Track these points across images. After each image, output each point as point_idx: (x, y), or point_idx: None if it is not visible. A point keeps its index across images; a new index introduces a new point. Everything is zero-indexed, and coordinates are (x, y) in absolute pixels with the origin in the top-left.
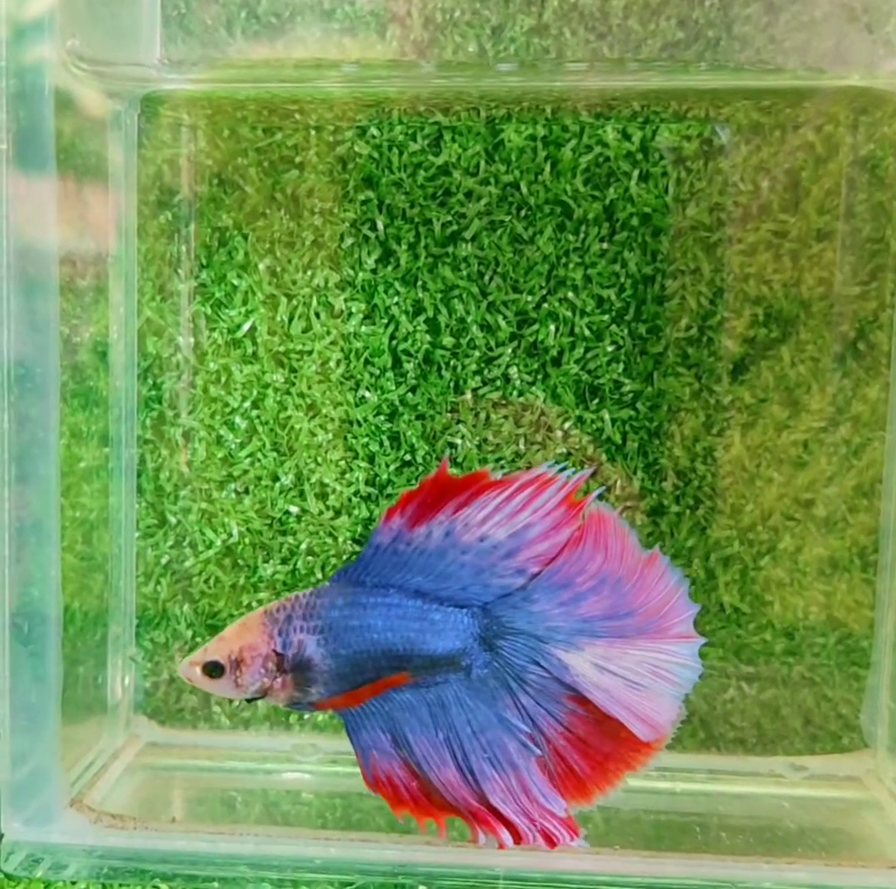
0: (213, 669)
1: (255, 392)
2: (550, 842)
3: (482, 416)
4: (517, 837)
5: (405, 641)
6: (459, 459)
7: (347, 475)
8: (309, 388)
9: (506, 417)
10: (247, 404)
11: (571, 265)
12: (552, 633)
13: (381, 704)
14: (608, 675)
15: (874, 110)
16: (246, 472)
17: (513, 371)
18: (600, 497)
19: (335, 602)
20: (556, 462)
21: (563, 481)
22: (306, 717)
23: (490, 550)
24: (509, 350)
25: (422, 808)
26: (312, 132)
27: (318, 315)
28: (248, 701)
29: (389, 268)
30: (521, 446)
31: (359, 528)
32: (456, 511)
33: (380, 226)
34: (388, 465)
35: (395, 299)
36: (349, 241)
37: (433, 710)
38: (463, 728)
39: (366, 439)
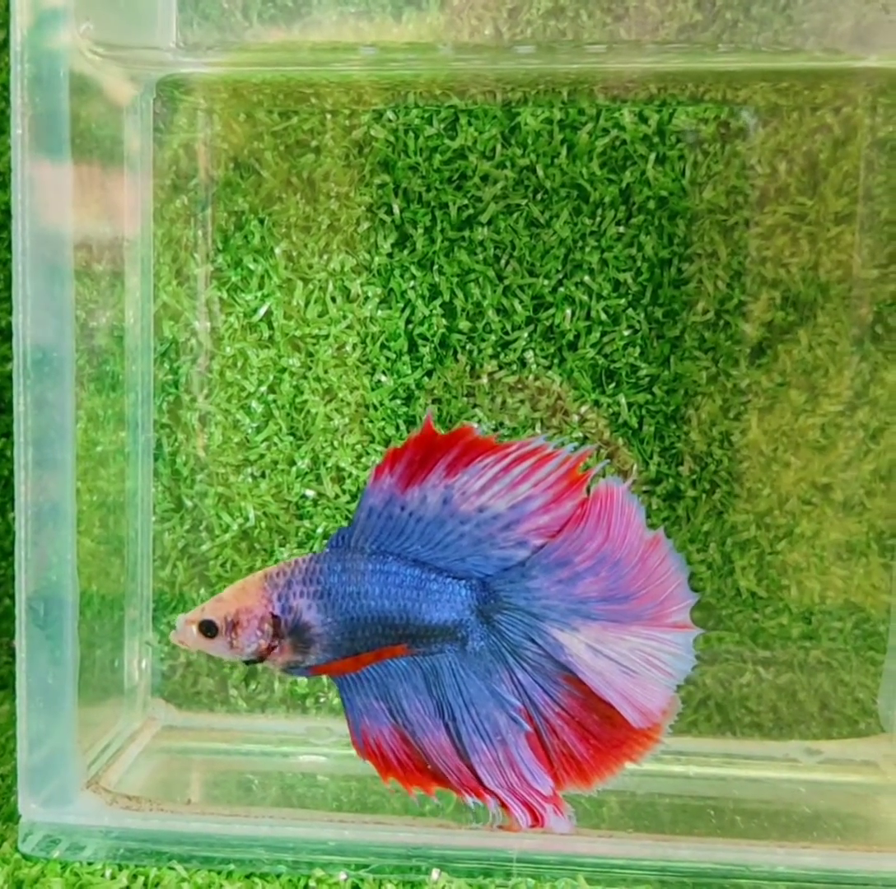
0: (208, 629)
1: (271, 376)
2: (534, 817)
3: (498, 400)
4: (503, 807)
5: (401, 610)
6: None
7: (364, 459)
8: (325, 372)
9: (522, 401)
10: (263, 388)
11: (588, 249)
12: (548, 611)
13: (375, 671)
14: (602, 658)
15: (893, 91)
16: (262, 456)
17: (529, 355)
18: (604, 473)
19: (334, 567)
20: (551, 437)
21: (565, 455)
22: (322, 700)
23: (490, 521)
24: (525, 334)
25: (410, 776)
26: (328, 116)
27: (334, 299)
28: (246, 663)
29: (405, 252)
30: (538, 430)
31: None
32: (448, 473)
33: (396, 210)
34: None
35: (412, 283)
36: (365, 225)
37: (428, 678)
38: (455, 698)
39: (382, 423)
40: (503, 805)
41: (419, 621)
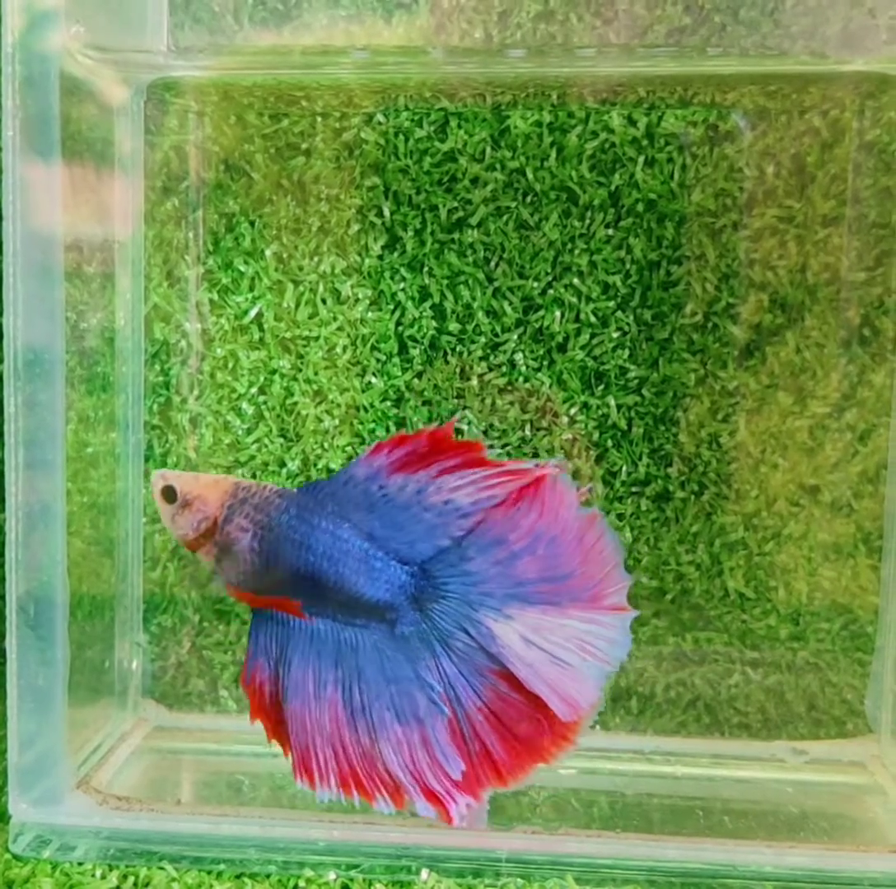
0: (168, 493)
1: (261, 378)
2: (435, 800)
3: (488, 401)
4: (395, 795)
5: (337, 576)
6: None
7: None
8: (316, 373)
9: (512, 403)
10: (254, 390)
11: (577, 251)
12: (485, 597)
13: (292, 621)
14: (535, 649)
15: (880, 95)
16: (253, 457)
17: (519, 357)
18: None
19: (289, 510)
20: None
21: (543, 472)
22: None
23: (450, 512)
24: (515, 336)
25: (274, 731)
26: (319, 119)
27: (324, 301)
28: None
29: (396, 254)
30: (528, 432)
31: None
32: (439, 474)
33: (386, 212)
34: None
35: (402, 285)
36: (356, 227)
37: (342, 648)
38: (374, 675)
39: (372, 425)
40: (394, 790)
41: (352, 592)
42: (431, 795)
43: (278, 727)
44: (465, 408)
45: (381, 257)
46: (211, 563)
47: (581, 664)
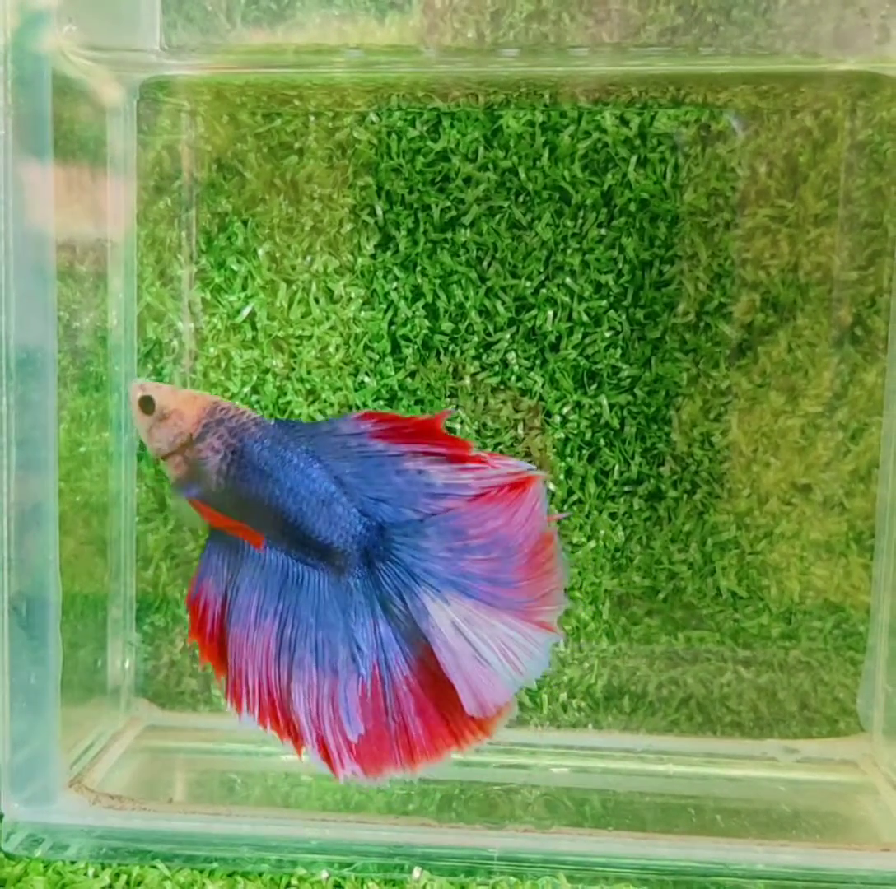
0: (146, 404)
1: (254, 377)
2: (325, 755)
3: (481, 401)
4: (297, 739)
5: (298, 512)
6: None
7: None
8: (308, 373)
9: (504, 402)
10: (246, 389)
11: (570, 251)
12: (427, 575)
13: (246, 547)
14: (461, 639)
15: (872, 95)
16: None
17: (511, 356)
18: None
19: (263, 440)
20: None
21: (520, 470)
22: None
23: (421, 485)
24: (508, 335)
25: (208, 652)
26: (312, 118)
27: (317, 300)
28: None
29: (388, 253)
30: (520, 431)
31: None
32: (418, 455)
33: (379, 211)
34: None
35: (394, 285)
36: (348, 226)
37: (288, 582)
38: (307, 614)
39: None
40: (297, 735)
41: (309, 531)
42: (324, 749)
43: (213, 649)
44: (457, 407)
45: (373, 256)
46: (176, 476)
47: (499, 667)
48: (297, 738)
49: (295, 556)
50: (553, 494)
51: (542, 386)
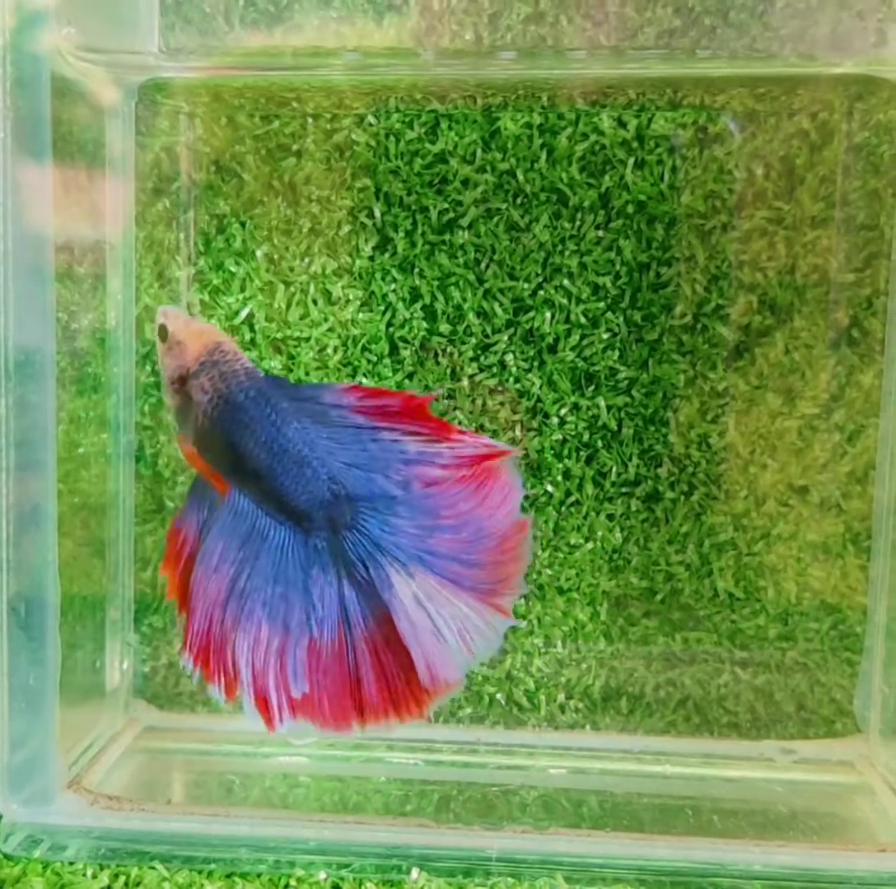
0: (162, 331)
1: None
2: (264, 708)
3: (479, 402)
4: (230, 685)
5: (270, 469)
6: None
7: None
8: (307, 374)
9: (502, 404)
10: None
11: (567, 253)
12: (395, 548)
13: (230, 493)
14: (422, 612)
15: (869, 97)
16: None
17: (509, 358)
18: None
19: (249, 391)
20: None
21: (495, 448)
22: None
23: (395, 452)
24: (506, 337)
25: (174, 588)
26: (310, 120)
27: (315, 302)
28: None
29: (386, 255)
30: (518, 433)
31: None
32: (399, 432)
33: (377, 213)
34: None
35: (392, 286)
36: (346, 228)
37: (253, 534)
38: (267, 568)
39: None
40: (232, 681)
41: (277, 487)
42: (262, 701)
43: (179, 586)
44: (455, 408)
45: (371, 258)
46: (172, 406)
47: (454, 645)
48: (229, 686)
49: (264, 510)
50: (551, 495)
51: (540, 387)
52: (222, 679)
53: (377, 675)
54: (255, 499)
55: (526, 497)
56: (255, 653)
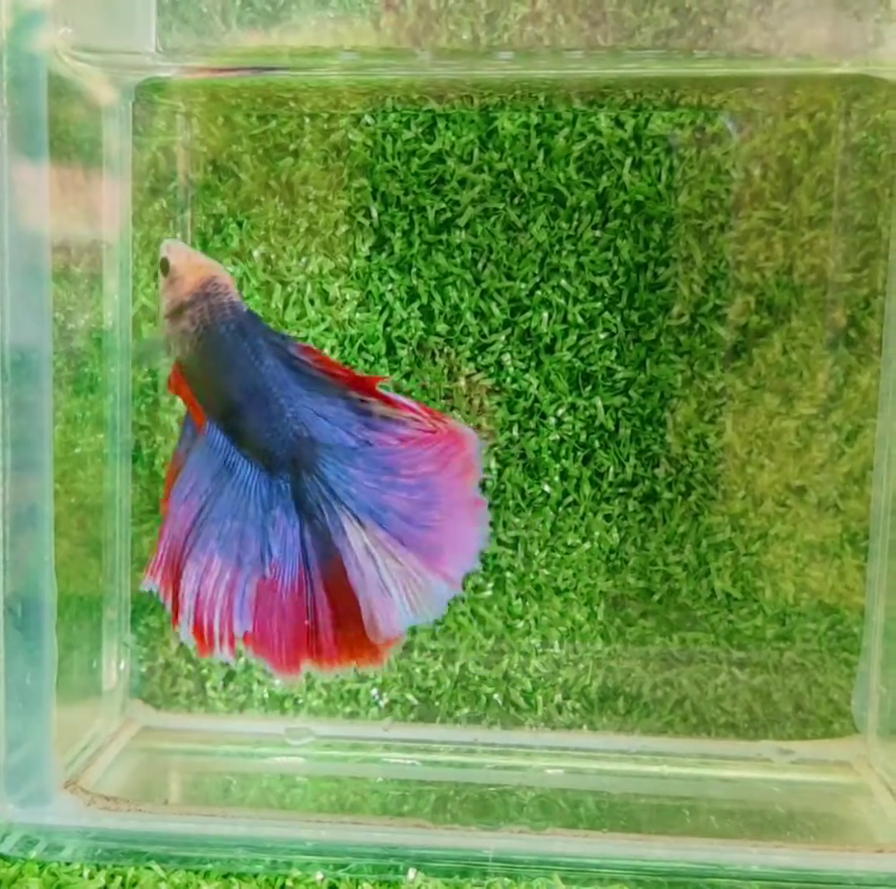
0: (164, 264)
1: None
2: (200, 636)
3: (476, 402)
4: (177, 610)
5: (241, 405)
6: None
7: None
8: None
9: (499, 404)
10: None
11: (564, 253)
12: (348, 497)
13: (205, 424)
14: (371, 563)
15: (866, 97)
16: None
17: (506, 358)
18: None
19: (230, 324)
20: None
21: (458, 432)
22: (300, 701)
23: (362, 412)
24: (503, 337)
25: (163, 516)
26: (307, 120)
27: (312, 302)
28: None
29: (383, 255)
30: (515, 433)
31: None
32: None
33: (374, 213)
34: None
35: (389, 286)
36: (343, 228)
37: (223, 467)
38: (228, 502)
39: None
40: (176, 607)
41: (245, 423)
42: (199, 629)
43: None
44: (452, 408)
45: (368, 258)
46: (167, 335)
47: (398, 600)
48: (176, 610)
49: (235, 445)
50: (548, 496)
51: (537, 388)
52: (172, 602)
53: (334, 620)
54: (229, 433)
55: (524, 496)
56: (203, 582)
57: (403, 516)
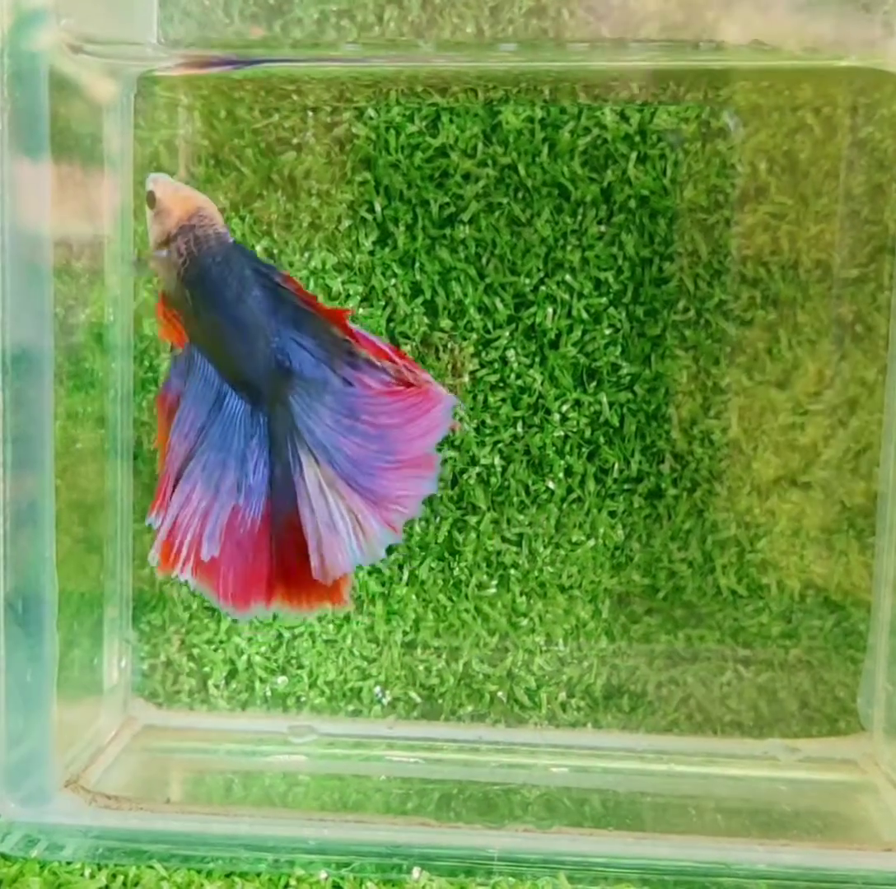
0: (150, 197)
1: None
2: (166, 559)
3: (480, 398)
4: (169, 552)
5: (224, 334)
6: (456, 442)
7: None
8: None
9: (504, 400)
10: None
11: (569, 247)
12: (307, 431)
13: (199, 359)
14: (322, 501)
15: (873, 91)
16: None
17: (511, 353)
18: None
19: (216, 256)
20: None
21: (434, 390)
22: (302, 699)
23: (344, 350)
24: (507, 333)
25: (161, 454)
26: (310, 113)
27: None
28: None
29: (387, 249)
30: (520, 429)
31: None
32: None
33: (377, 207)
34: None
35: (393, 281)
36: (347, 222)
37: (216, 400)
38: (216, 433)
39: None
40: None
41: (230, 353)
42: (167, 549)
43: (163, 452)
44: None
45: (372, 253)
46: (155, 268)
47: (345, 538)
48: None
49: (223, 378)
50: (552, 492)
51: (542, 383)
52: (156, 524)
53: (296, 558)
54: (217, 365)
55: (528, 493)
56: (184, 510)
57: (353, 462)
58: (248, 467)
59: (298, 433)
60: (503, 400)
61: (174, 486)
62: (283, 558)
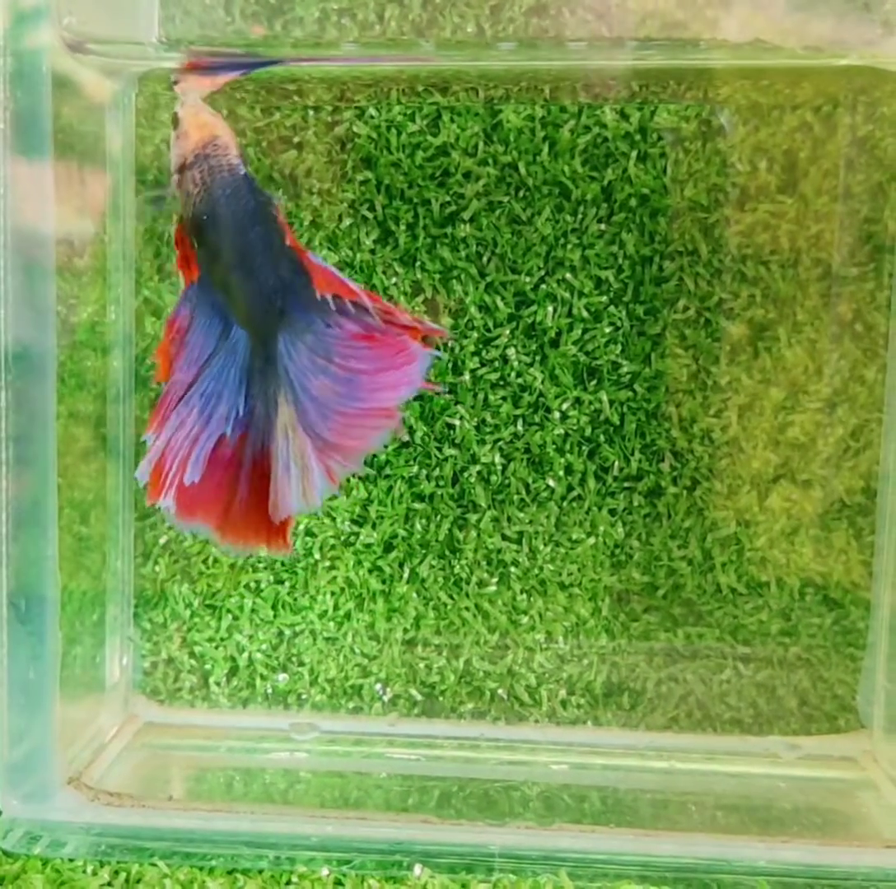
0: (174, 119)
1: None
2: (155, 480)
3: (481, 397)
4: (159, 476)
5: (228, 265)
6: (457, 440)
7: None
8: None
9: (504, 398)
10: None
11: (569, 246)
12: (284, 371)
13: (210, 287)
14: (284, 442)
15: (873, 90)
16: None
17: (511, 352)
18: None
19: (226, 188)
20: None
21: (410, 346)
22: (303, 696)
23: (332, 297)
24: (508, 331)
25: (163, 372)
26: (311, 113)
27: None
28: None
29: (388, 248)
30: (520, 427)
31: (356, 509)
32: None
33: (378, 206)
34: (385, 446)
35: (394, 280)
36: (348, 221)
37: (222, 331)
38: (217, 364)
39: None
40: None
41: (235, 286)
42: (156, 476)
43: (165, 370)
44: (457, 403)
45: (373, 251)
46: (173, 192)
47: (295, 483)
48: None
49: (229, 309)
50: (552, 490)
51: (542, 382)
52: (152, 438)
53: (254, 494)
54: (224, 296)
55: (529, 491)
56: (176, 434)
57: (317, 402)
58: (240, 400)
59: (279, 371)
60: (504, 398)
61: (174, 408)
62: (244, 490)
